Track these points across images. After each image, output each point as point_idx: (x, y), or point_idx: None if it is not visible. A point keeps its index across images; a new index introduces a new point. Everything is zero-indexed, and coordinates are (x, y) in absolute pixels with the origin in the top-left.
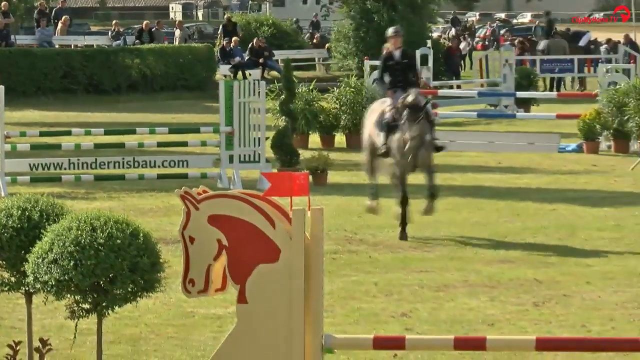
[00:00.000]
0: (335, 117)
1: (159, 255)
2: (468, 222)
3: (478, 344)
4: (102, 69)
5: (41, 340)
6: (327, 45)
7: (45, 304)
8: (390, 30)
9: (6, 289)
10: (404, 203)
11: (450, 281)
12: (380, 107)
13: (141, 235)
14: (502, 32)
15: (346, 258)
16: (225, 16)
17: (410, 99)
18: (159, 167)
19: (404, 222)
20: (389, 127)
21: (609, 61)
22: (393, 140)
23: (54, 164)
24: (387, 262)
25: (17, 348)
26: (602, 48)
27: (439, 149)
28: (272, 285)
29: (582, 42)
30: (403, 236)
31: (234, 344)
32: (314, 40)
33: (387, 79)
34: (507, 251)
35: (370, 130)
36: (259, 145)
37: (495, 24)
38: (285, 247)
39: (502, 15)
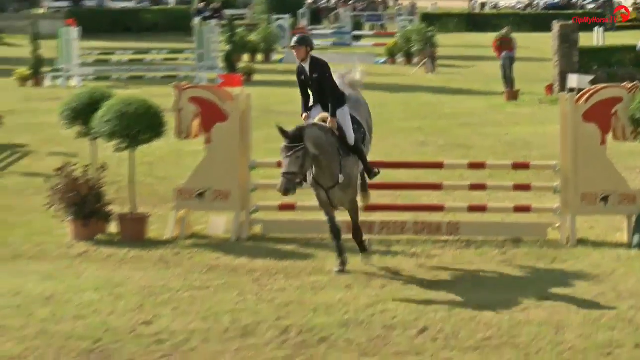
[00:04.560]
0: (256, 45)
1: (163, 118)
2: None
3: None
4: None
5: (102, 164)
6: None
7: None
8: (292, 41)
9: (82, 136)
10: (334, 236)
11: None
12: None
13: (154, 107)
14: None
15: (264, 119)
16: None
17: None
18: (163, 72)
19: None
20: None
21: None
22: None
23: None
24: (291, 122)
25: (62, 167)
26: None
27: (370, 173)
28: (224, 134)
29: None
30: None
31: (205, 165)
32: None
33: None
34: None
35: None
36: (217, 60)
37: None
38: (231, 113)
39: None
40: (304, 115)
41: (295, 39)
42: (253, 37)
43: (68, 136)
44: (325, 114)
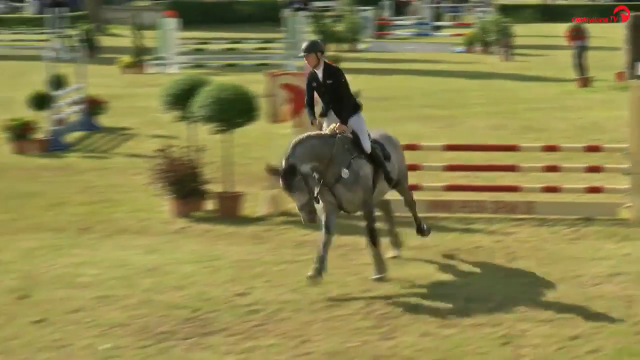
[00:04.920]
0: (341, 35)
1: (255, 104)
2: (406, 87)
3: None
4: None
5: (200, 146)
6: None
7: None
8: (301, 49)
9: (180, 119)
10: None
11: None
12: None
13: (248, 93)
14: None
15: None
16: None
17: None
18: (256, 60)
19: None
20: None
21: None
22: None
23: (203, 58)
24: (375, 107)
25: (163, 148)
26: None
27: (389, 180)
28: None
29: None
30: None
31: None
32: None
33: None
34: (430, 100)
35: None
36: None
37: None
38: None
39: None
40: (313, 121)
41: (303, 47)
42: (339, 27)
43: (168, 119)
44: (335, 125)
